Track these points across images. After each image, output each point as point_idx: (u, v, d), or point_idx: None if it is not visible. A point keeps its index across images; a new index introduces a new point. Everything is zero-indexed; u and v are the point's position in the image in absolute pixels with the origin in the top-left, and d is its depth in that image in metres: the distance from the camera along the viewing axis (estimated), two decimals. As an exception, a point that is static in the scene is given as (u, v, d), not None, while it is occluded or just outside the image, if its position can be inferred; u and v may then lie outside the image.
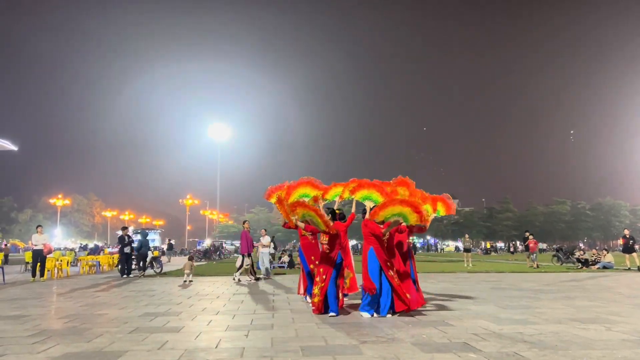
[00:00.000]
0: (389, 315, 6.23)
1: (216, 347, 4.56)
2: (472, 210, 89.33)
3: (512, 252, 28.23)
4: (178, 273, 16.16)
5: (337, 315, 6.26)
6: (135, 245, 15.83)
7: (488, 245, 71.54)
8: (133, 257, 16.02)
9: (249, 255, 13.06)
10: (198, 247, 45.40)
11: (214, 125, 67.56)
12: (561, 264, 20.99)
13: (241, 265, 12.92)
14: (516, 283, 11.38)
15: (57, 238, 74.62)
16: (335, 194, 8.06)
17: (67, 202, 76.54)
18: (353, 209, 7.73)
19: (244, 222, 14.15)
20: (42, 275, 13.81)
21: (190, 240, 69.64)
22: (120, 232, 16.48)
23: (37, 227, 14.55)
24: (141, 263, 15.91)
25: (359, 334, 5.07)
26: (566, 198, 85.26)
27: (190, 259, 13.82)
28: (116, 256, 17.80)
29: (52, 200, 74.12)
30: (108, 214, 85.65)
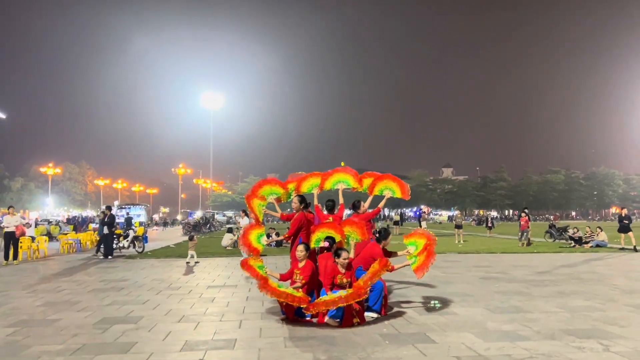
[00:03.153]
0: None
1: (162, 379, 3.99)
2: (466, 180, 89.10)
3: (490, 227, 27.31)
4: (159, 254, 15.64)
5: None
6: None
7: (481, 213, 71.55)
8: (114, 237, 15.51)
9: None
10: (189, 219, 44.69)
11: (207, 94, 65.98)
12: (554, 241, 20.65)
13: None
14: (507, 269, 10.92)
15: (49, 207, 73.94)
16: (313, 185, 7.30)
17: (57, 171, 75.31)
18: (340, 200, 7.10)
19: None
20: (15, 257, 13.26)
21: (183, 211, 69.02)
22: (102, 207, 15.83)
23: (8, 208, 13.90)
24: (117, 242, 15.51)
25: (328, 357, 4.51)
26: (561, 167, 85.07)
27: (191, 238, 13.49)
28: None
29: (43, 169, 72.83)
30: (101, 182, 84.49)
